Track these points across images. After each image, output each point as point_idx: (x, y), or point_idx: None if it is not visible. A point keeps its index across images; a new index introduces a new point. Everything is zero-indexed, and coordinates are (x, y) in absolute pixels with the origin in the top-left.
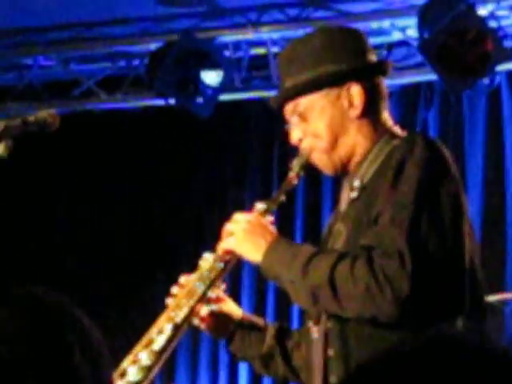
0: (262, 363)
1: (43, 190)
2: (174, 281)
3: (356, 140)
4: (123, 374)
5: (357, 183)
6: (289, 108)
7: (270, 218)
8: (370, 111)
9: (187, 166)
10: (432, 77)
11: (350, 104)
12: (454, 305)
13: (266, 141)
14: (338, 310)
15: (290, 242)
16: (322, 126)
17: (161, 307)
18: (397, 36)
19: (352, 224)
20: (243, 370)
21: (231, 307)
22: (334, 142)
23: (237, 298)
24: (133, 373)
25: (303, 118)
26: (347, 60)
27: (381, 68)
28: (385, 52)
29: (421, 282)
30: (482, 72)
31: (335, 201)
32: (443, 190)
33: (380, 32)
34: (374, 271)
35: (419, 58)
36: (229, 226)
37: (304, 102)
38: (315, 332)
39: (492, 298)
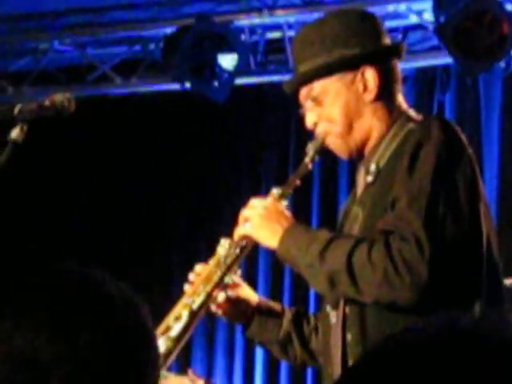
0: (279, 348)
1: (57, 173)
2: (192, 267)
3: (371, 124)
4: None
5: (373, 167)
6: (303, 92)
7: (285, 203)
8: (385, 95)
9: (203, 150)
10: (448, 60)
11: (365, 88)
12: (471, 288)
13: (282, 125)
14: (356, 295)
15: (306, 227)
16: (336, 111)
17: (175, 298)
18: (413, 19)
19: (368, 208)
20: (259, 354)
21: (248, 293)
22: (348, 127)
23: (253, 284)
24: None
25: (318, 102)
26: (361, 44)
27: (395, 51)
28: (400, 35)
29: (438, 266)
30: (498, 55)
31: (351, 184)
32: (459, 173)
33: (396, 15)
34: (392, 256)
35: (435, 42)
36: (245, 212)
37: (318, 86)
38: (333, 317)
39: (508, 282)
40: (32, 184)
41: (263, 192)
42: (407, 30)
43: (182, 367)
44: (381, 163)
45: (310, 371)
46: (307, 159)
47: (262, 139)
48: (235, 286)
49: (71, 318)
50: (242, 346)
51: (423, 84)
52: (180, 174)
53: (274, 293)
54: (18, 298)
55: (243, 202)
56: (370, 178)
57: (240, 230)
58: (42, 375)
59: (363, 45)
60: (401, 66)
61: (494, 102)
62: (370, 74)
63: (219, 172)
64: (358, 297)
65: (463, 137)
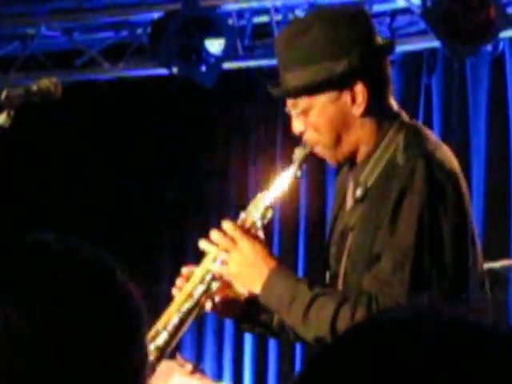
0: (273, 335)
1: (44, 158)
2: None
3: (360, 137)
4: None
5: (359, 190)
6: (289, 102)
7: (271, 214)
8: (374, 105)
9: (191, 135)
10: (435, 44)
11: (353, 101)
12: None
13: (270, 109)
14: None
15: (287, 276)
16: (322, 122)
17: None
18: (400, 3)
19: (357, 234)
20: (248, 339)
21: (237, 290)
22: (336, 139)
23: None
24: None
25: (304, 113)
26: (348, 52)
27: (385, 51)
28: (388, 19)
29: None
30: (485, 39)
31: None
32: (445, 224)
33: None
34: None
35: (422, 25)
36: (221, 242)
37: (303, 102)
38: None
39: (496, 265)
40: (18, 169)
41: (251, 176)
42: (395, 13)
43: (170, 352)
44: (368, 182)
45: (298, 360)
46: (294, 169)
47: (250, 122)
48: (223, 287)
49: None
50: (231, 331)
51: (410, 68)
52: (168, 158)
53: None
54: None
55: (232, 188)
56: (358, 194)
57: (218, 269)
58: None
59: (350, 53)
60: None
61: (481, 85)
62: (359, 89)
63: (207, 156)
64: None
65: (450, 163)
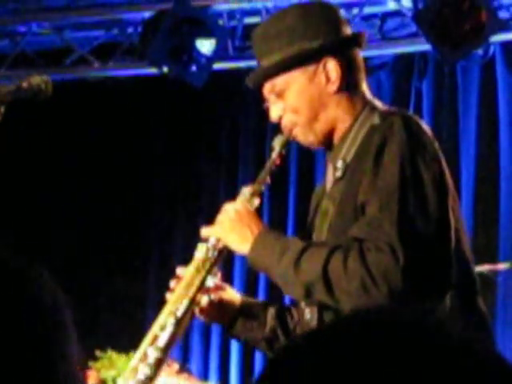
0: (266, 344)
1: (33, 156)
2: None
3: (336, 115)
4: (134, 372)
5: (340, 163)
6: (267, 87)
7: (257, 201)
8: (348, 85)
9: (180, 135)
10: (426, 47)
11: (327, 79)
12: (442, 283)
13: (259, 110)
14: (333, 303)
15: (278, 234)
16: (299, 101)
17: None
18: (391, 6)
19: (338, 205)
20: (235, 341)
21: (231, 294)
22: (314, 118)
23: (229, 279)
24: (143, 370)
25: (281, 95)
26: (321, 35)
27: (356, 41)
28: (379, 22)
29: (412, 270)
30: (476, 43)
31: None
32: (425, 171)
33: (375, 2)
34: (368, 267)
35: (413, 28)
36: (219, 217)
37: (281, 80)
38: (308, 313)
39: (484, 268)
40: (6, 165)
41: (240, 179)
42: (385, 16)
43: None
44: (347, 158)
45: None
46: (274, 155)
47: (239, 124)
48: (217, 288)
49: None
50: (218, 331)
51: (401, 71)
52: (155, 158)
53: (250, 291)
54: None
55: (220, 190)
56: (338, 174)
57: (210, 232)
58: None
59: (323, 36)
60: (379, 53)
61: (472, 89)
62: (332, 65)
63: (197, 156)
64: (335, 305)
65: (428, 131)
